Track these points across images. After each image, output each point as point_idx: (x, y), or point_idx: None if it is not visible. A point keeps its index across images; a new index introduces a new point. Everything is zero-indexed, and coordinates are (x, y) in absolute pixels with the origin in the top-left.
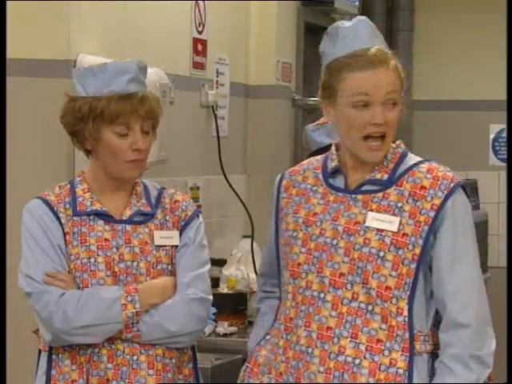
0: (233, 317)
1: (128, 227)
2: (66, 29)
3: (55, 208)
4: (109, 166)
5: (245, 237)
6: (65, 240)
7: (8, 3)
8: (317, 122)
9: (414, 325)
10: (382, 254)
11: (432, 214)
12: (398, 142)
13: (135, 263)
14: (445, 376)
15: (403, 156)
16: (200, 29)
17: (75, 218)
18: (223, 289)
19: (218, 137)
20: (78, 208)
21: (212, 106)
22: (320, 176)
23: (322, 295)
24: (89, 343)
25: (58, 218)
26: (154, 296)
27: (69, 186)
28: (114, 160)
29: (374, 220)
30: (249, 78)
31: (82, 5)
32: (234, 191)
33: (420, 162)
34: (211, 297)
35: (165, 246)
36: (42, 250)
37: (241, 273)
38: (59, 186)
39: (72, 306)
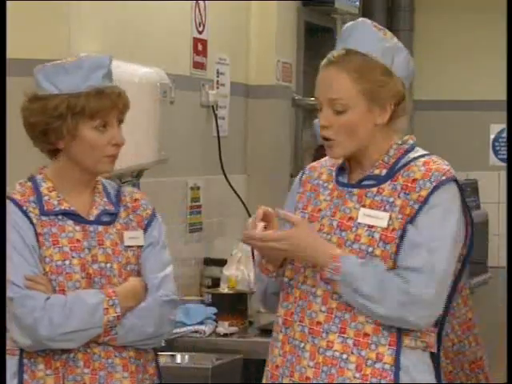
0: (233, 317)
1: (100, 228)
2: (67, 29)
3: (24, 207)
4: (84, 161)
5: None
6: (38, 241)
7: (8, 3)
8: None
9: None
10: (370, 249)
11: (416, 205)
12: (406, 138)
13: (108, 264)
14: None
15: (407, 151)
16: (200, 29)
17: (43, 218)
18: (224, 289)
19: (219, 137)
20: (46, 207)
21: (212, 106)
22: (333, 173)
23: (313, 290)
24: (67, 348)
25: (29, 218)
26: (130, 299)
27: (30, 183)
28: (91, 155)
29: (366, 216)
30: (249, 77)
31: (81, 5)
32: (235, 191)
33: (420, 156)
34: (178, 297)
35: (132, 246)
36: (17, 251)
37: (241, 273)
38: (20, 184)
39: (58, 312)
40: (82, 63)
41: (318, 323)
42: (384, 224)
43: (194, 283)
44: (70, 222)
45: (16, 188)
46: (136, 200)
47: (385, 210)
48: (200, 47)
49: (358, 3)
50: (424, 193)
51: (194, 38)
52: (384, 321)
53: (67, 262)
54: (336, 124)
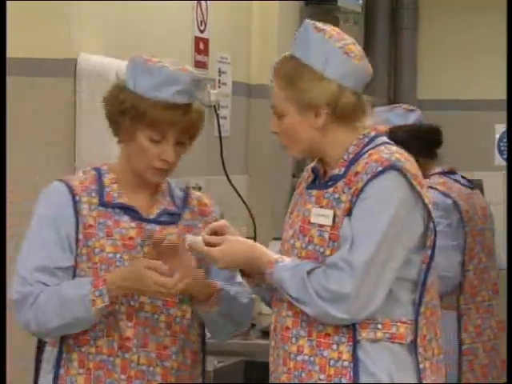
0: None
1: (157, 227)
2: (67, 29)
3: (77, 197)
4: (134, 164)
5: (246, 238)
6: (85, 233)
7: (8, 3)
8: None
9: None
10: (322, 250)
11: (354, 199)
12: (367, 131)
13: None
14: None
15: (366, 145)
16: (202, 27)
17: (101, 208)
18: None
19: (220, 137)
20: (106, 198)
21: (214, 106)
22: (312, 175)
23: (280, 296)
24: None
25: (76, 210)
26: (127, 280)
27: (94, 172)
28: (141, 161)
29: (317, 216)
30: (251, 77)
31: (82, 4)
32: (236, 192)
33: (371, 148)
34: None
35: None
36: (43, 242)
37: None
38: (83, 172)
39: (41, 311)
40: (162, 70)
41: (287, 329)
42: (329, 222)
43: None
44: (126, 218)
45: (78, 174)
46: (205, 205)
47: (332, 208)
48: (202, 46)
49: (361, 1)
50: (360, 185)
51: (196, 37)
52: (319, 320)
53: (118, 256)
54: (279, 129)
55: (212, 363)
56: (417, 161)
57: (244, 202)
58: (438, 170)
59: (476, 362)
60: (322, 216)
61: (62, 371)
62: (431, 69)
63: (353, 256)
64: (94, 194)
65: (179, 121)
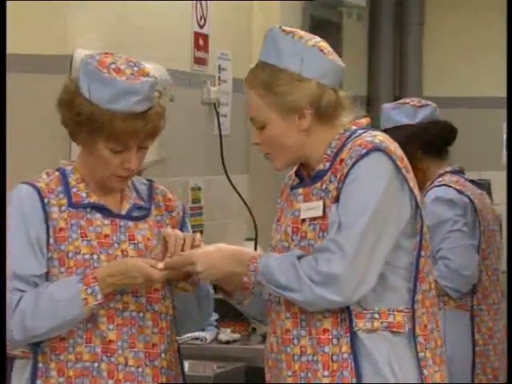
0: (235, 323)
1: (130, 223)
2: (66, 25)
3: (45, 199)
4: (96, 172)
5: (248, 240)
6: (56, 237)
7: (8, 2)
8: (397, 102)
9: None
10: (313, 242)
11: (340, 185)
12: (348, 126)
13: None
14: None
15: (349, 137)
16: (201, 23)
17: (71, 209)
18: None
19: (220, 135)
20: (74, 199)
21: (214, 103)
22: (297, 179)
23: (277, 299)
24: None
25: (46, 212)
26: (115, 276)
27: (58, 173)
28: (102, 170)
29: (308, 210)
30: None
31: (81, 1)
32: (237, 192)
33: (355, 137)
34: None
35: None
36: (16, 248)
37: None
38: (46, 173)
39: (28, 317)
40: (117, 83)
41: (287, 331)
42: (320, 213)
43: None
44: (99, 216)
45: (42, 176)
46: (169, 200)
47: (320, 199)
48: (201, 42)
49: None
50: (345, 171)
51: (195, 33)
52: (309, 306)
53: (95, 257)
54: (262, 140)
55: (211, 369)
56: (427, 158)
57: (244, 202)
58: (449, 168)
59: (488, 365)
60: (312, 209)
61: (38, 382)
62: (438, 65)
63: (341, 237)
64: (61, 196)
65: (140, 130)
